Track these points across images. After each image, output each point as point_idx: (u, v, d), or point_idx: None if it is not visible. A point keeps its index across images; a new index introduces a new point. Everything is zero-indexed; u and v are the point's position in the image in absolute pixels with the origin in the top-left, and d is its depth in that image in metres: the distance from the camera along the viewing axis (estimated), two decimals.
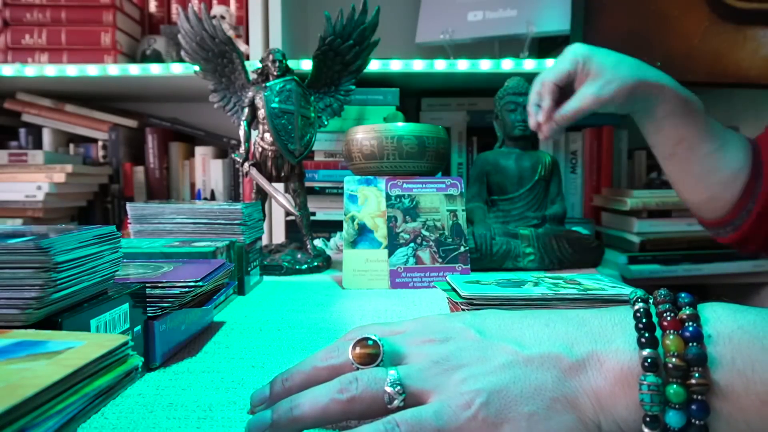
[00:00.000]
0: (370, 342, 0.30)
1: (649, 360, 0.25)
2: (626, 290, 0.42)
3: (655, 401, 0.25)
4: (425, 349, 0.29)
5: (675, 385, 0.25)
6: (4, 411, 0.19)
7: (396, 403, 0.27)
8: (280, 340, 0.47)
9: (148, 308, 0.40)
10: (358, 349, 0.30)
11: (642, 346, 0.26)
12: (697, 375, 0.25)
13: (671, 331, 0.26)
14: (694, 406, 0.25)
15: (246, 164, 0.80)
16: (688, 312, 0.27)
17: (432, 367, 0.28)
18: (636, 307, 0.28)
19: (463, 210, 0.73)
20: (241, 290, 0.64)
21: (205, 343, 0.46)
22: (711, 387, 0.25)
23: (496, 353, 0.28)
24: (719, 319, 0.26)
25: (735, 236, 0.68)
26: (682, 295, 0.28)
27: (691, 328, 0.26)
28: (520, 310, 0.32)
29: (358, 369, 0.29)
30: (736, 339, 0.25)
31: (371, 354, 0.29)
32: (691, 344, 0.25)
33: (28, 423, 0.21)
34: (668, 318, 0.27)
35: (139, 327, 0.39)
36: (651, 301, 0.29)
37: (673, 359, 0.25)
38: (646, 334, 0.26)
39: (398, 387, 0.27)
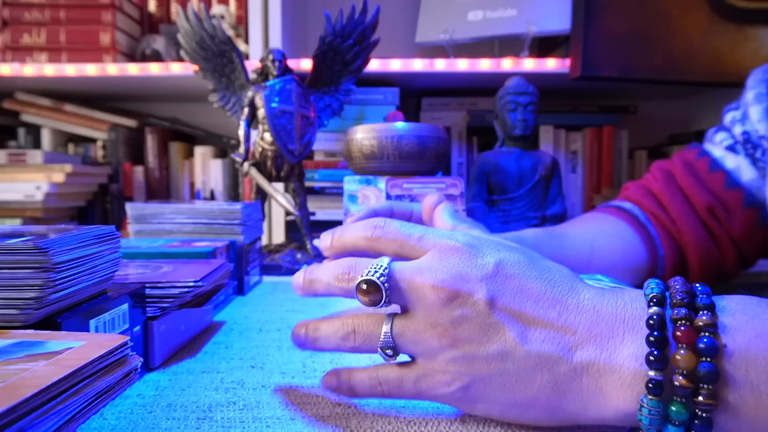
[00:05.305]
0: (375, 284, 0.29)
1: (654, 382, 0.24)
2: (627, 290, 0.42)
3: (653, 424, 0.24)
4: (428, 303, 0.28)
5: (678, 404, 0.24)
6: (4, 411, 0.19)
7: (386, 358, 0.30)
8: (280, 340, 0.47)
9: (147, 308, 0.40)
10: (364, 287, 0.29)
11: (650, 364, 0.24)
12: (705, 393, 0.23)
13: (684, 345, 0.24)
14: (696, 422, 0.24)
15: (246, 164, 0.79)
16: (705, 319, 0.24)
17: (427, 331, 0.28)
18: (651, 311, 0.25)
19: (463, 210, 0.73)
20: (240, 290, 0.64)
21: (205, 343, 0.45)
22: (718, 405, 0.23)
23: (496, 337, 0.27)
24: (738, 329, 0.24)
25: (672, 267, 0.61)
26: (699, 288, 0.26)
27: (706, 341, 0.24)
28: (551, 272, 0.29)
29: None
30: (753, 349, 0.24)
31: (373, 300, 0.29)
32: (704, 359, 0.24)
33: (28, 423, 0.20)
34: (683, 328, 0.24)
35: (138, 327, 0.39)
36: (668, 295, 0.26)
37: (681, 378, 0.23)
38: (656, 353, 0.24)
39: (389, 350, 0.29)
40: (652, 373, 0.24)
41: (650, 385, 0.24)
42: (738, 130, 0.58)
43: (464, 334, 0.27)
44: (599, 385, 0.26)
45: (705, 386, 0.23)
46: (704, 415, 0.23)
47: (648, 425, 0.24)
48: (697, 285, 0.27)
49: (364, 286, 0.29)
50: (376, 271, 0.29)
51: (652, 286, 0.27)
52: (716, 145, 0.60)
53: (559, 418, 0.27)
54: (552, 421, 0.28)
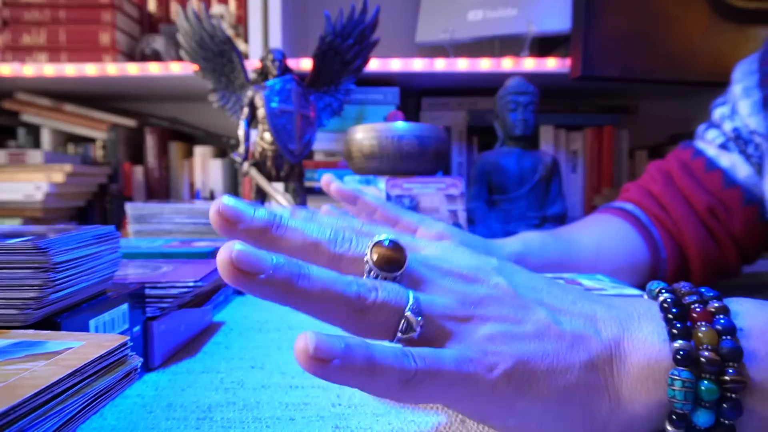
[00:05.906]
0: (393, 244, 0.24)
1: (681, 352, 0.23)
2: (627, 290, 0.42)
3: (688, 398, 0.23)
4: (451, 284, 0.25)
5: (707, 382, 0.23)
6: (4, 411, 0.19)
7: (410, 334, 0.22)
8: (280, 340, 0.46)
9: (147, 308, 0.40)
10: (381, 249, 0.24)
11: (674, 337, 0.24)
12: (731, 371, 0.23)
13: (703, 323, 0.24)
14: (726, 405, 0.23)
15: (246, 164, 0.79)
16: (716, 305, 0.25)
17: (458, 309, 0.24)
18: (662, 297, 0.26)
19: (463, 210, 0.73)
20: (240, 290, 0.64)
21: (205, 343, 0.45)
22: (747, 385, 0.23)
23: (530, 316, 0.24)
24: (749, 313, 0.25)
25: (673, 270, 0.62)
26: (704, 289, 0.26)
27: (723, 320, 0.24)
28: (543, 276, 0.28)
29: (371, 270, 0.24)
30: None
31: (395, 258, 0.23)
32: (724, 337, 0.23)
33: (28, 423, 0.20)
34: (697, 310, 0.24)
35: (138, 327, 0.38)
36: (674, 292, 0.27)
37: (707, 353, 0.23)
38: (678, 324, 0.24)
39: (420, 318, 0.22)
40: (678, 344, 0.23)
41: (678, 356, 0.23)
42: (728, 126, 0.58)
43: (497, 312, 0.24)
44: (628, 367, 0.24)
45: (730, 363, 0.23)
46: (733, 396, 0.23)
47: (682, 399, 0.23)
48: (702, 287, 0.26)
49: (381, 246, 0.24)
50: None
51: (654, 285, 0.27)
52: (709, 144, 0.60)
53: (594, 422, 0.25)
54: (586, 427, 0.25)
